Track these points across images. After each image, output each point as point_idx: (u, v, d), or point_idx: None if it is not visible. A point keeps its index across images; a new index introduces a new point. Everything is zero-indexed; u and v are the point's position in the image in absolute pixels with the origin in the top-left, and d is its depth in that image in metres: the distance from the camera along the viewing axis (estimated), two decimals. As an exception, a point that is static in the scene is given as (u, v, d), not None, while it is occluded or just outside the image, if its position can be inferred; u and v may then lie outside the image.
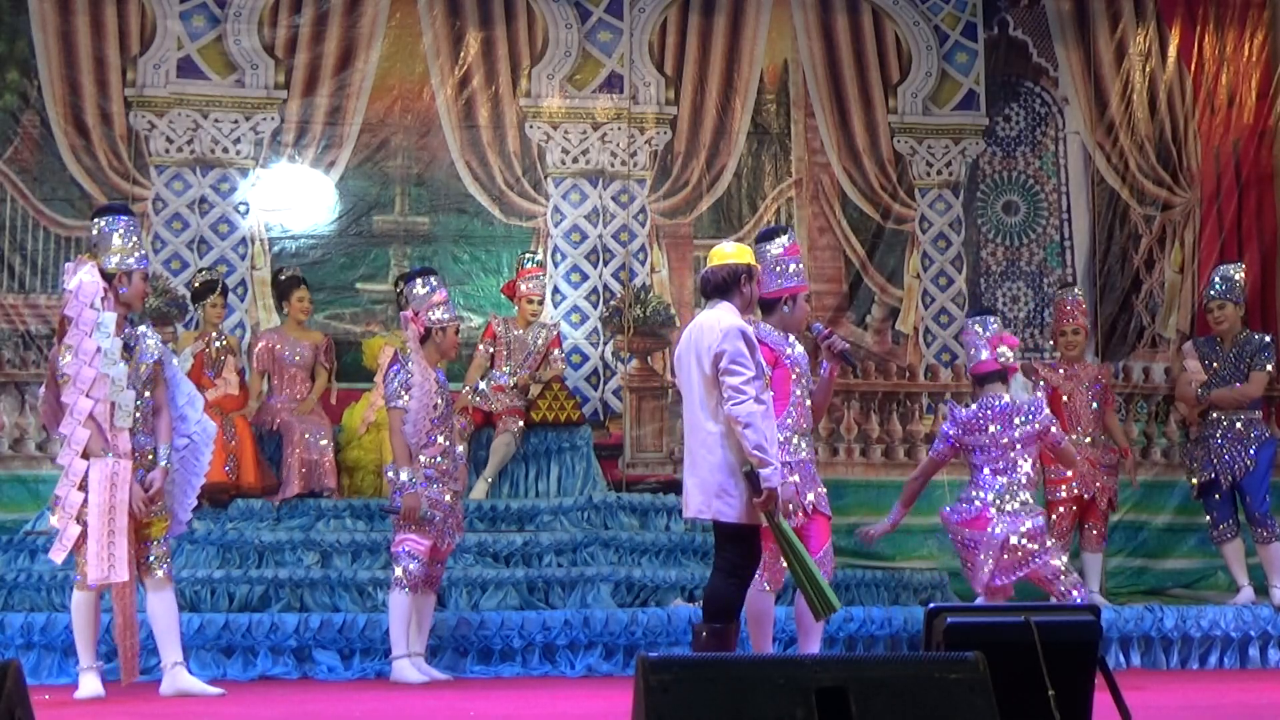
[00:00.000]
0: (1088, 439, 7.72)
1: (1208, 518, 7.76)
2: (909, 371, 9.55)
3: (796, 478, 5.60)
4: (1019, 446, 6.34)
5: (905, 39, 9.91)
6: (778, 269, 5.75)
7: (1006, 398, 6.44)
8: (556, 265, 9.43)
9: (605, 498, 8.01)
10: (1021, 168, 9.90)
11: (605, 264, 9.48)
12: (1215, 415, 7.65)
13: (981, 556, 6.29)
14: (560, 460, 8.36)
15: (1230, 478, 7.53)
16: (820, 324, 6.35)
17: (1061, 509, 7.65)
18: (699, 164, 9.59)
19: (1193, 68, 10.03)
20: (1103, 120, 9.91)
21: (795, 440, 5.67)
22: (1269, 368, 7.68)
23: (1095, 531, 7.78)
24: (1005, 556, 6.27)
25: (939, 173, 9.81)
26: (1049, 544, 6.37)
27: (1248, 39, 10.14)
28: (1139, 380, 9.50)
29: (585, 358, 9.36)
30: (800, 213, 9.58)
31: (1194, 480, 7.75)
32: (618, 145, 9.59)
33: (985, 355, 6.50)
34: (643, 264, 9.51)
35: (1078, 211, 9.84)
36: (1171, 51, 10.03)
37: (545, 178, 9.52)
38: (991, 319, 6.63)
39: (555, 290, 9.37)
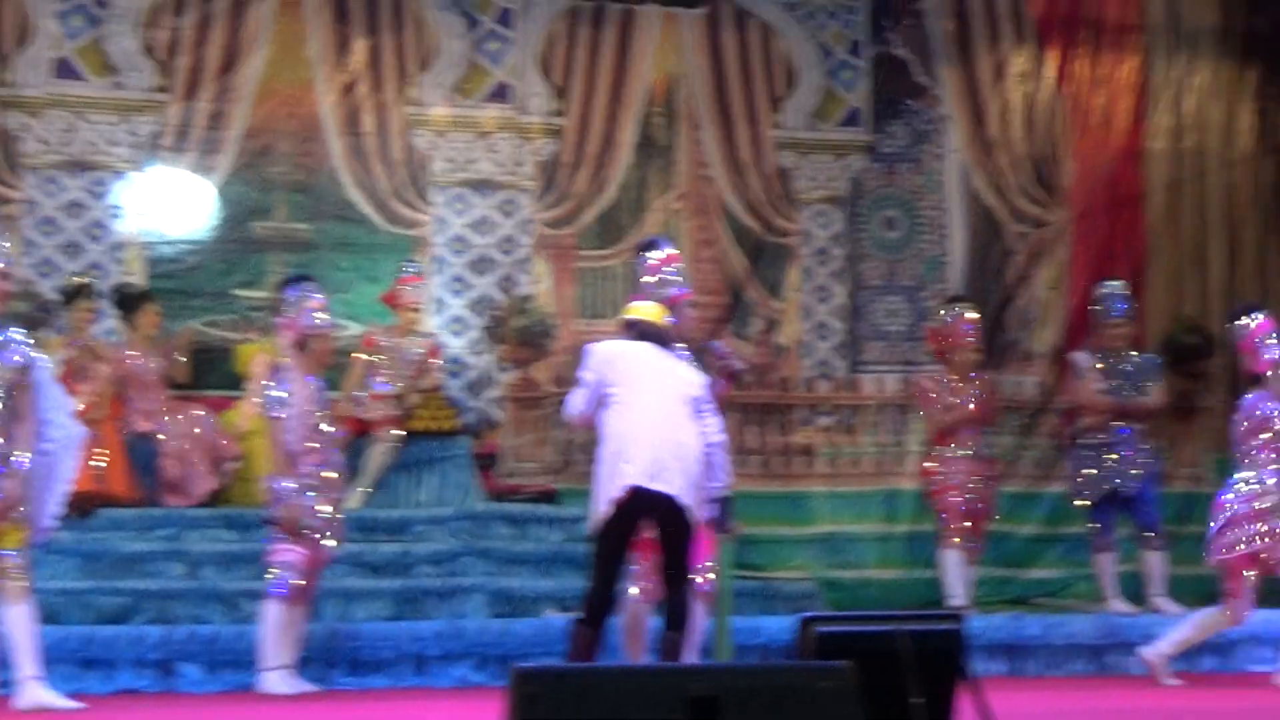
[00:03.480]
0: (970, 451, 7.84)
1: (1093, 525, 7.91)
2: (788, 384, 9.64)
3: None
4: None
5: (792, 55, 10.00)
6: (657, 278, 5.87)
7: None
8: (439, 274, 9.37)
9: (482, 508, 7.99)
10: (902, 184, 10.04)
11: (488, 274, 9.44)
12: (1115, 425, 7.82)
13: None
14: (438, 470, 8.33)
15: (1137, 486, 7.73)
16: (721, 343, 6.46)
17: (953, 511, 7.77)
18: (585, 175, 9.60)
19: (1069, 89, 10.25)
20: (981, 139, 10.09)
21: None
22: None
23: (975, 542, 7.89)
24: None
25: (822, 188, 9.92)
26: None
27: (1122, 62, 10.38)
28: (1011, 394, 9.68)
29: (466, 367, 9.31)
30: (684, 225, 9.63)
31: (1104, 487, 7.84)
32: (504, 155, 9.56)
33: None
34: (526, 274, 9.49)
35: (956, 228, 10.00)
36: (1049, 73, 10.23)
37: (430, 186, 9.46)
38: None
39: (437, 299, 9.32)
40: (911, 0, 10.17)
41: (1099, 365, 7.94)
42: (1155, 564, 7.74)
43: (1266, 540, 6.48)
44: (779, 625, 7.08)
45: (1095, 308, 8.02)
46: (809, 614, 4.80)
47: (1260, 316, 6.72)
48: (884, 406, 9.69)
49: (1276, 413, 6.53)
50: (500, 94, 9.61)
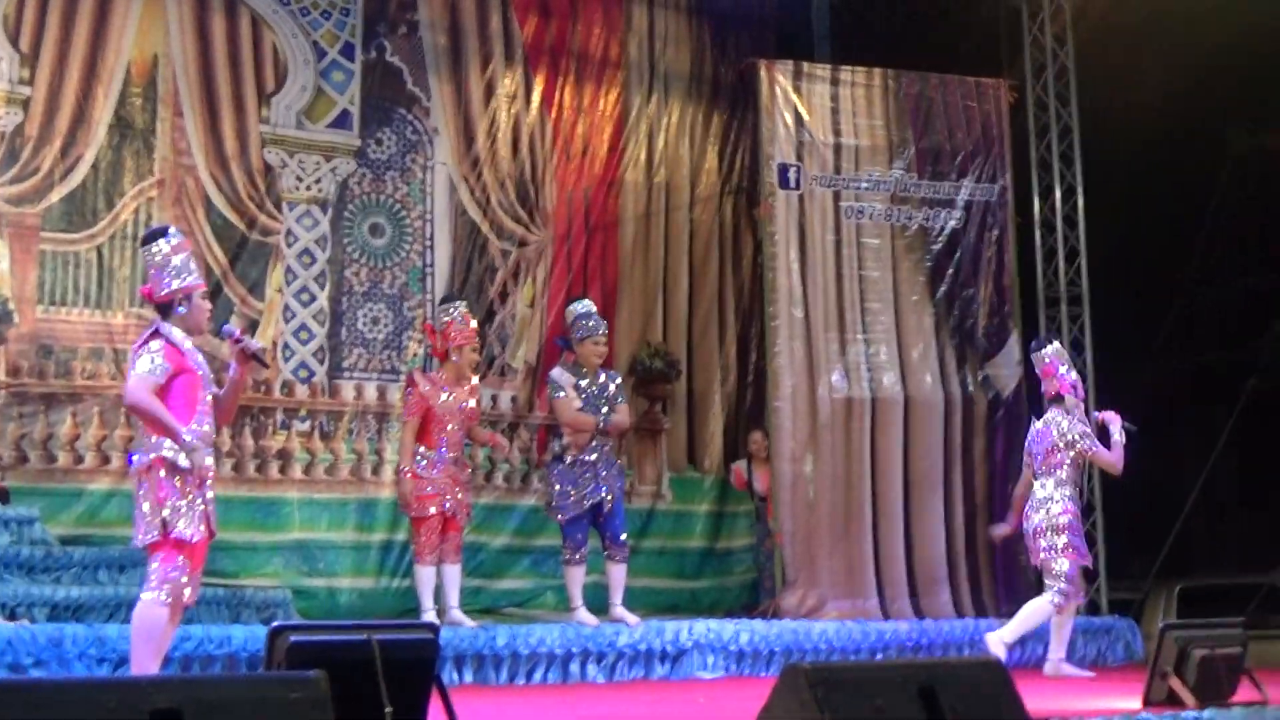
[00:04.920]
0: (452, 455, 7.89)
1: (567, 539, 8.08)
2: (265, 386, 9.38)
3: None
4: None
5: (283, 50, 9.77)
6: (168, 268, 5.61)
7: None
8: (-128, 246, 8.45)
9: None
10: (390, 192, 10.02)
11: (-71, 249, 8.61)
12: (592, 443, 8.08)
13: None
14: None
15: (611, 500, 8.02)
16: (230, 325, 6.19)
17: (430, 523, 7.79)
18: (53, 151, 8.92)
19: (554, 115, 10.60)
20: (469, 154, 10.24)
21: (202, 450, 5.57)
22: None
23: (453, 544, 7.94)
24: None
25: (309, 188, 9.74)
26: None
27: (603, 94, 10.85)
28: (488, 407, 9.88)
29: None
30: (161, 215, 9.14)
31: (582, 503, 8.02)
32: (-41, 122, 8.77)
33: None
34: (-18, 253, 8.72)
35: (440, 240, 10.10)
36: (535, 97, 10.54)
37: None
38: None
39: None
40: (406, 10, 10.21)
41: (574, 384, 8.23)
42: (618, 576, 8.12)
43: (1052, 551, 7.69)
44: (248, 634, 6.87)
45: (572, 326, 8.31)
46: (279, 623, 4.70)
47: (1057, 345, 8.04)
48: (363, 414, 9.64)
49: (1080, 434, 7.69)
50: (-44, 55, 8.81)
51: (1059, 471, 7.75)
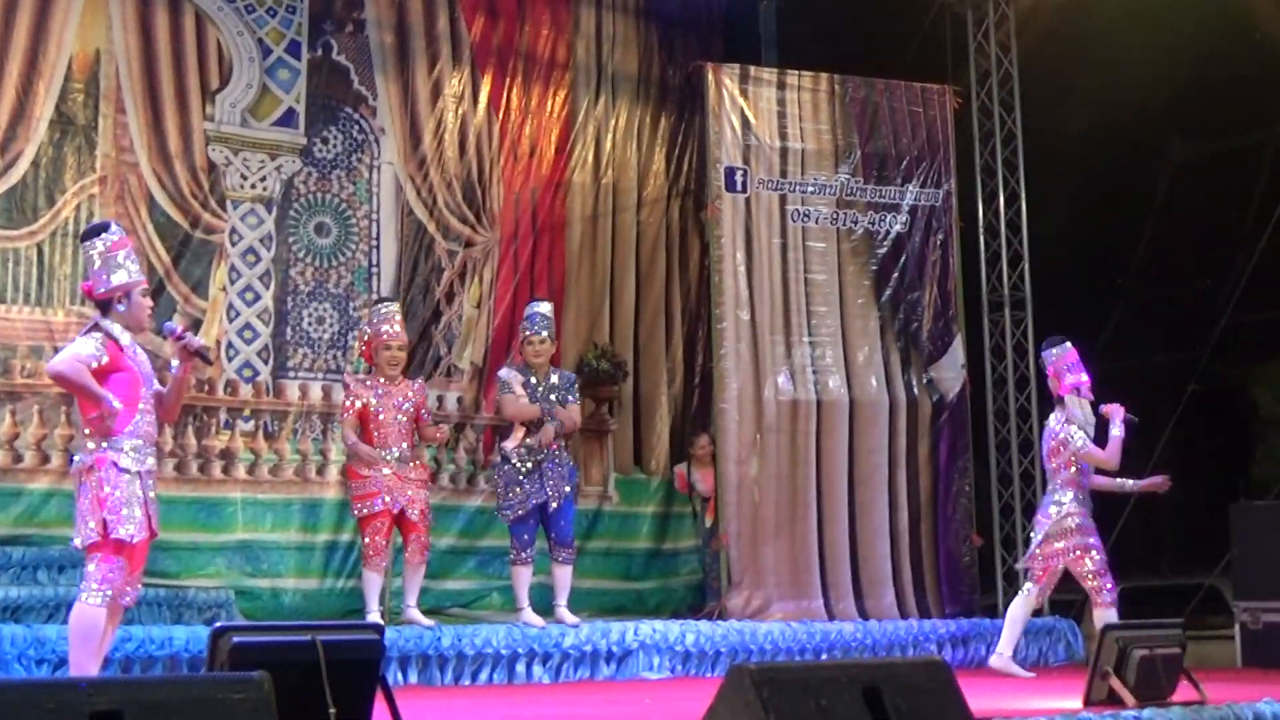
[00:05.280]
0: (395, 454, 7.85)
1: (514, 539, 8.07)
2: (208, 385, 9.30)
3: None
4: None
5: (227, 47, 9.69)
6: (107, 265, 5.58)
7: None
8: None
9: None
10: (336, 191, 9.96)
11: None
12: (546, 443, 8.07)
13: None
14: None
15: (558, 501, 8.00)
16: (172, 322, 6.13)
17: (376, 523, 7.75)
18: (-8, 148, 8.85)
19: (501, 116, 10.58)
20: (416, 154, 10.20)
21: (143, 449, 5.54)
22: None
23: (419, 545, 7.89)
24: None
25: (253, 186, 9.66)
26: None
27: (551, 95, 10.84)
28: (434, 407, 9.84)
29: None
30: (103, 212, 9.02)
31: (529, 503, 8.00)
32: (-104, 116, 8.64)
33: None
34: (-86, 251, 8.59)
35: (387, 240, 10.05)
36: (483, 98, 10.51)
37: None
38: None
39: None
40: (352, 8, 10.16)
41: (523, 382, 8.23)
42: (563, 578, 8.12)
43: (1075, 554, 7.67)
44: (190, 635, 6.82)
45: (524, 326, 8.33)
46: (222, 624, 4.66)
47: (1068, 346, 7.85)
48: (307, 414, 9.57)
49: (1069, 434, 7.66)
50: (-108, 53, 8.68)
51: (1061, 474, 7.73)
